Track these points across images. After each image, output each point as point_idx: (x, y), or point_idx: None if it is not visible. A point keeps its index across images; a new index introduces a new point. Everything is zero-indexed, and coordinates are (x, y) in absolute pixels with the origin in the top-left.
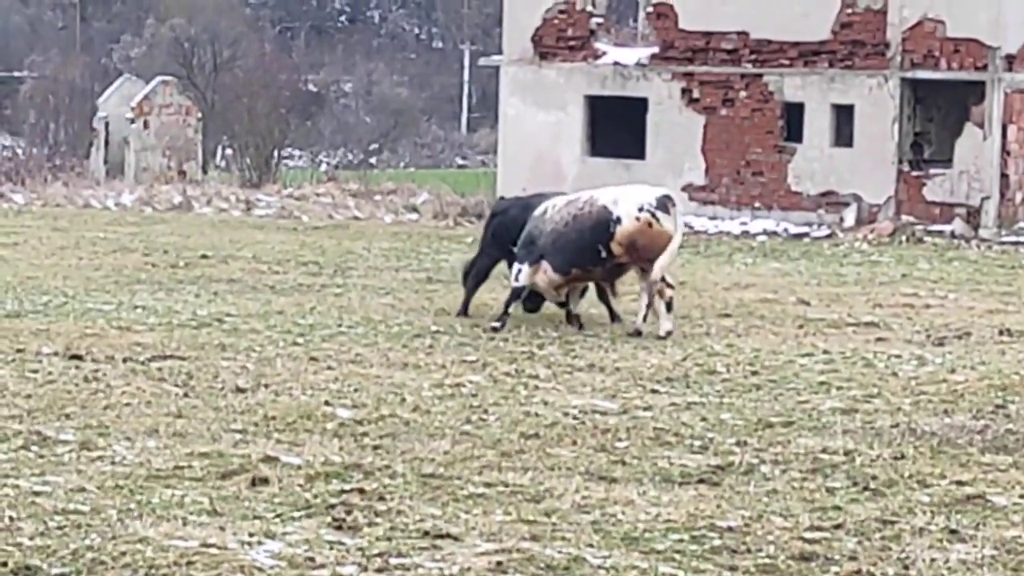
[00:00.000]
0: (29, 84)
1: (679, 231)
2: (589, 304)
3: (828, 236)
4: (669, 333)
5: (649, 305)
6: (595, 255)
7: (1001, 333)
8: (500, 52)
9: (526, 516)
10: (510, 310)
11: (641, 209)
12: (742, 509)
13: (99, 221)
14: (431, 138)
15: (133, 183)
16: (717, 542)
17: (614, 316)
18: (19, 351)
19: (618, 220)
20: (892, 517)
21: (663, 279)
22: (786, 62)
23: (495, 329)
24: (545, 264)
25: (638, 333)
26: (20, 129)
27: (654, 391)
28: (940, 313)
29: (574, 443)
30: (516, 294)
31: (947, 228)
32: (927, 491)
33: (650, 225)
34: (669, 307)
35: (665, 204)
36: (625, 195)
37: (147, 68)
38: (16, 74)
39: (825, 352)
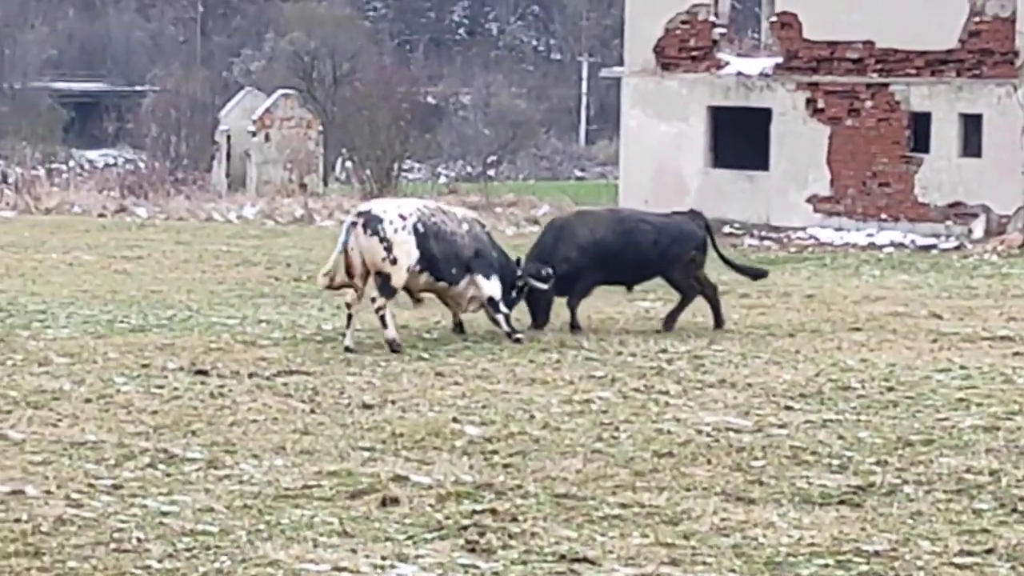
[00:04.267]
0: (151, 98)
1: (338, 250)
2: (700, 313)
3: (956, 248)
4: (348, 349)
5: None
6: None
7: None
8: (618, 63)
9: (664, 539)
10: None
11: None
12: (887, 532)
13: (221, 234)
14: (550, 150)
15: (255, 196)
16: (864, 567)
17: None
18: (144, 366)
19: None
20: None
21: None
22: (913, 71)
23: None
24: None
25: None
26: (142, 143)
27: (788, 408)
28: None
29: (709, 462)
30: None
31: None
32: None
33: None
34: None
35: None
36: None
37: (267, 81)
38: (138, 88)
39: (962, 367)
